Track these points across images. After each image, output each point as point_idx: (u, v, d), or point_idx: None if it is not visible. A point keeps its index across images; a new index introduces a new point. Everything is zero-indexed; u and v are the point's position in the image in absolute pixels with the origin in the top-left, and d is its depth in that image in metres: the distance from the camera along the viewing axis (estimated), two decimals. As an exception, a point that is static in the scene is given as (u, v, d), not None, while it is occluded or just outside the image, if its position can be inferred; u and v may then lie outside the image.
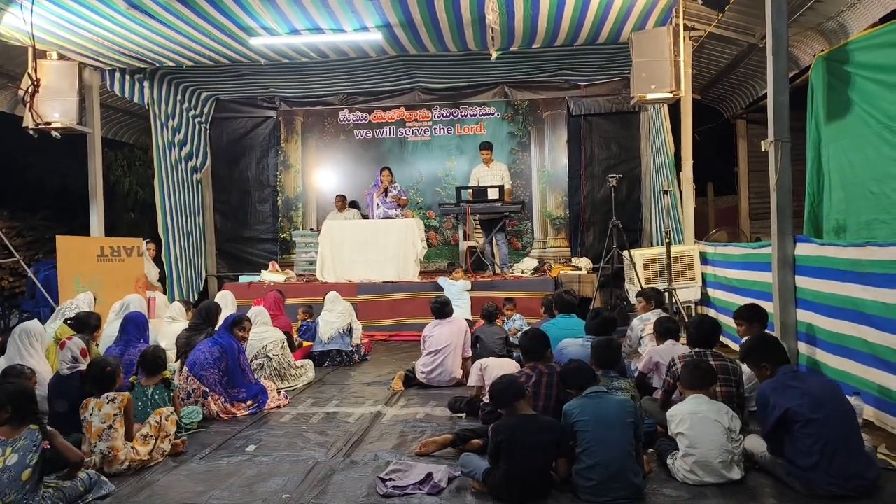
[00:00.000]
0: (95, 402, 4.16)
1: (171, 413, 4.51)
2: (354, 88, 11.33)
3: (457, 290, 8.30)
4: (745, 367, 4.26)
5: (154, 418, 4.38)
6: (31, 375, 4.54)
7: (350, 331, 7.40)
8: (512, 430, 3.51)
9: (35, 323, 5.41)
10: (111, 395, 4.20)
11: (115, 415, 4.13)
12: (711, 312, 7.67)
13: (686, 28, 7.63)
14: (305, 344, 7.58)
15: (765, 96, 5.65)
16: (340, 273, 9.52)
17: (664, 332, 5.07)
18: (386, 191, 10.18)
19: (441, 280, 8.80)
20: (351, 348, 7.34)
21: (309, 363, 6.75)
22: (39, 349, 5.24)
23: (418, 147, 11.64)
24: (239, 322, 5.71)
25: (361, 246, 9.56)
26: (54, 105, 7.74)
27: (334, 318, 7.36)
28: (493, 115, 11.45)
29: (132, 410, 4.29)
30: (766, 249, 5.84)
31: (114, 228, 10.97)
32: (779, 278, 5.27)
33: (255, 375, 5.84)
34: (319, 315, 7.55)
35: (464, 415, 5.10)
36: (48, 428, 3.65)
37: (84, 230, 9.19)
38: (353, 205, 11.28)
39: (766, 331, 4.81)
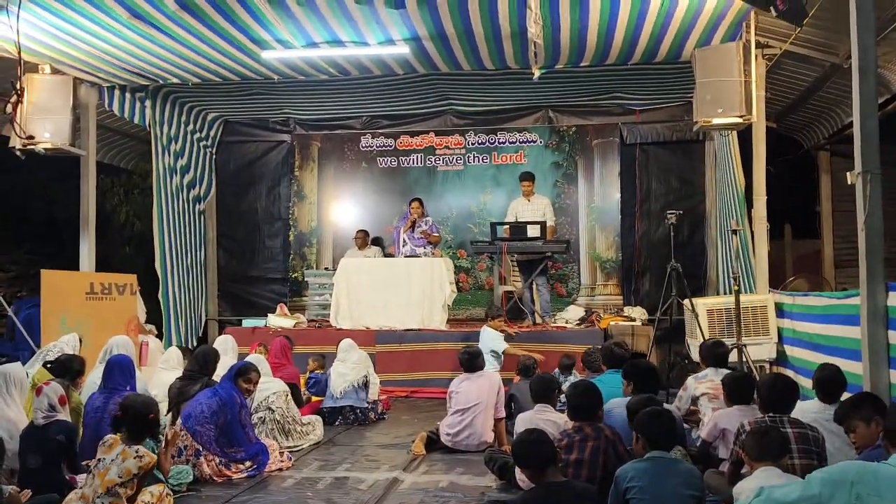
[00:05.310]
0: (122, 451, 4.16)
1: (169, 494, 4.53)
2: (378, 111, 11.49)
3: (485, 342, 8.06)
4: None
5: (158, 489, 4.39)
6: None
7: (366, 385, 7.35)
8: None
9: (17, 366, 5.30)
10: (142, 451, 4.21)
11: (135, 475, 4.14)
12: (789, 373, 7.47)
13: (758, 45, 7.61)
14: (314, 399, 7.56)
15: (851, 125, 5.56)
16: (357, 318, 9.52)
17: (735, 391, 4.92)
18: (413, 225, 10.22)
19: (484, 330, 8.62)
20: (366, 405, 7.29)
21: (317, 420, 6.72)
22: (17, 398, 5.16)
23: (449, 178, 11.71)
24: (245, 372, 5.71)
25: (381, 288, 9.55)
26: (45, 124, 7.87)
27: (348, 369, 7.33)
28: (534, 142, 11.50)
29: (148, 476, 4.29)
30: (853, 300, 5.68)
31: (106, 263, 11.14)
32: (868, 333, 5.10)
33: (256, 431, 5.82)
34: (331, 366, 7.53)
35: (496, 480, 5.01)
36: (7, 490, 3.54)
37: (73, 264, 9.30)
38: (376, 242, 11.33)
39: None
